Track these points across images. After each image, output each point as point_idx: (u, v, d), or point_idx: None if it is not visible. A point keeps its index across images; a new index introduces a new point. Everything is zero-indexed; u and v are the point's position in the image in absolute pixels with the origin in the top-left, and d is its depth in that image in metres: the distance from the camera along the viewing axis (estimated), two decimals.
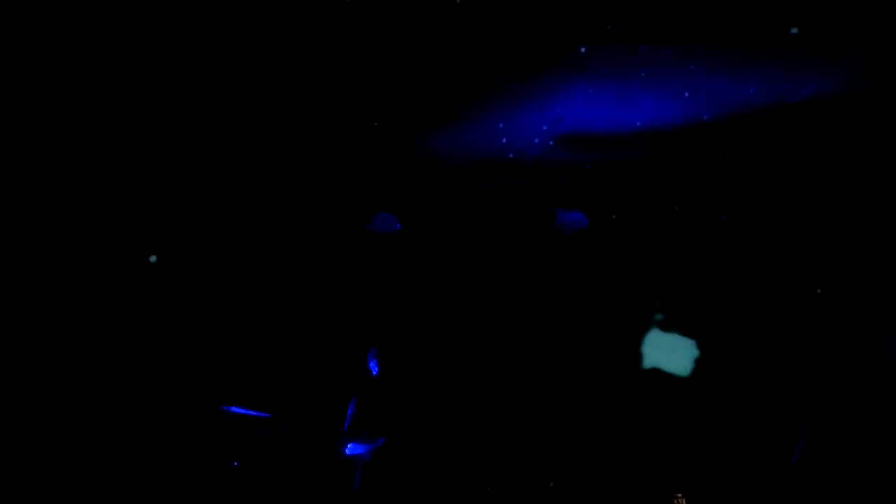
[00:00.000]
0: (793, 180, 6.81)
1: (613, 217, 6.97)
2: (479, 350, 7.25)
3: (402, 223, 7.15)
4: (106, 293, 6.60)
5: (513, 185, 6.97)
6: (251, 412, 6.35)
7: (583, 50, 5.02)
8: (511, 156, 6.50)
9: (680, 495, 4.99)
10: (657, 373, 7.17)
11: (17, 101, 5.88)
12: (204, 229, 6.84)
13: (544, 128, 6.16)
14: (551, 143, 6.31)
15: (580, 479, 7.03)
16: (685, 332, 7.20)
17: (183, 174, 6.61)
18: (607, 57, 5.70)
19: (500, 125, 6.02)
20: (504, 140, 6.20)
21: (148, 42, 5.29)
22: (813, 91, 6.09)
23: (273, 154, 6.62)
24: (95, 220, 6.52)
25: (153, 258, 6.12)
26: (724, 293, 7.19)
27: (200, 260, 6.87)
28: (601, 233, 7.15)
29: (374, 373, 6.55)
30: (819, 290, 6.88)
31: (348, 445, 6.37)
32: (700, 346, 7.24)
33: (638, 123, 6.30)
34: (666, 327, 7.22)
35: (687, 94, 6.05)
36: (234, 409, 6.29)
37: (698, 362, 7.20)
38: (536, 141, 6.28)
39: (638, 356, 7.21)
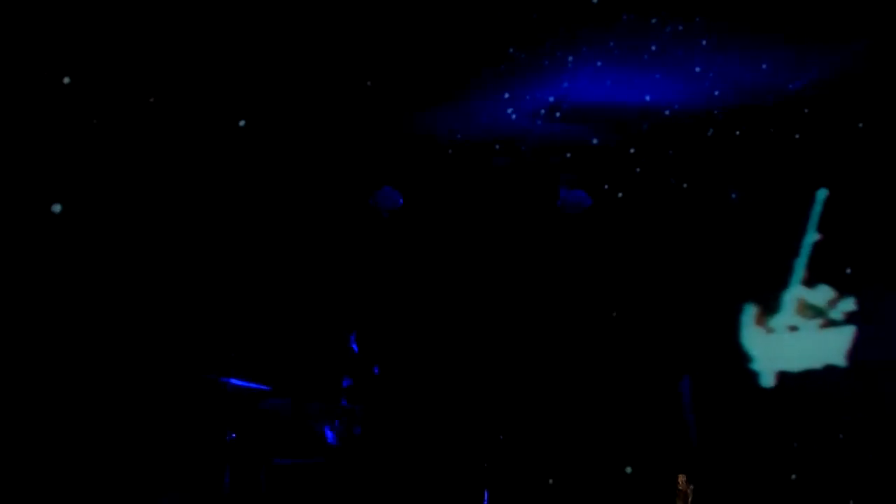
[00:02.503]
0: (805, 159, 6.72)
1: (619, 195, 6.88)
2: (479, 328, 7.20)
3: (406, 197, 7.08)
4: (99, 266, 6.56)
5: (516, 161, 6.90)
6: (249, 384, 6.31)
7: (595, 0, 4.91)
8: (516, 128, 6.43)
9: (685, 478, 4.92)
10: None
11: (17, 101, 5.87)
12: (202, 204, 6.78)
13: (551, 100, 6.09)
14: (557, 115, 6.24)
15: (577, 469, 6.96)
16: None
17: (177, 151, 6.54)
18: (617, 30, 5.62)
19: (506, 95, 5.94)
20: (510, 111, 6.12)
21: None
22: (825, 69, 6.02)
23: (274, 127, 6.56)
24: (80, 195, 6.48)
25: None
26: (733, 274, 7.12)
27: (198, 233, 6.82)
28: (605, 212, 7.07)
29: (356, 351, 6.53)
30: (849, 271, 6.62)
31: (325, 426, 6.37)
32: (702, 327, 7.15)
33: (647, 98, 6.21)
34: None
35: (698, 70, 5.96)
36: (232, 380, 6.24)
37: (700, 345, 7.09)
38: (543, 112, 6.21)
39: (637, 336, 7.10)
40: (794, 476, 6.45)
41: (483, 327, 7.18)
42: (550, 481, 6.75)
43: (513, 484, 6.75)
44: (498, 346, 7.15)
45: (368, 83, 5.51)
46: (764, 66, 5.93)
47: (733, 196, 6.89)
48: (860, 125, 6.33)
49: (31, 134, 6.04)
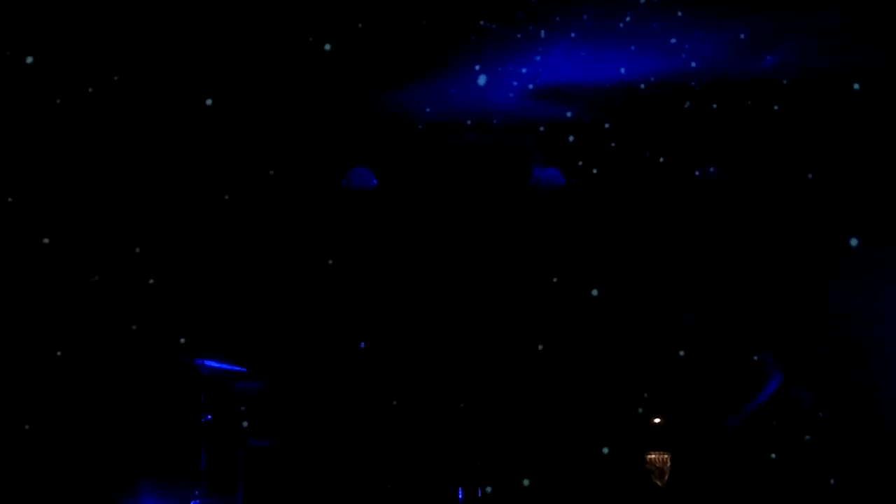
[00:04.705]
0: (786, 132, 6.68)
1: (594, 171, 6.81)
2: (452, 311, 7.15)
3: (379, 177, 7.02)
4: (71, 249, 6.51)
5: (488, 136, 6.84)
6: (225, 366, 6.28)
7: None
8: (488, 103, 6.35)
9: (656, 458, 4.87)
10: None
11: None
12: (170, 185, 6.71)
13: (523, 71, 6.01)
14: (530, 86, 6.17)
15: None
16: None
17: (138, 130, 6.46)
18: (590, 0, 5.55)
19: (477, 68, 5.86)
20: (480, 82, 6.04)
21: None
22: (804, 40, 5.95)
23: (243, 110, 6.47)
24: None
25: None
26: (712, 252, 7.08)
27: (170, 213, 6.76)
28: (580, 190, 7.01)
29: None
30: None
31: None
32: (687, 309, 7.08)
33: (622, 71, 6.13)
34: None
35: (674, 41, 5.89)
36: (208, 362, 6.21)
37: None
38: (515, 84, 6.14)
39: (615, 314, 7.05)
40: None
41: (459, 309, 7.15)
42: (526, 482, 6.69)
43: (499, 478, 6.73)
44: (473, 326, 7.12)
45: (327, 46, 5.39)
46: (742, 37, 5.86)
47: (711, 170, 6.84)
48: (849, 90, 6.25)
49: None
